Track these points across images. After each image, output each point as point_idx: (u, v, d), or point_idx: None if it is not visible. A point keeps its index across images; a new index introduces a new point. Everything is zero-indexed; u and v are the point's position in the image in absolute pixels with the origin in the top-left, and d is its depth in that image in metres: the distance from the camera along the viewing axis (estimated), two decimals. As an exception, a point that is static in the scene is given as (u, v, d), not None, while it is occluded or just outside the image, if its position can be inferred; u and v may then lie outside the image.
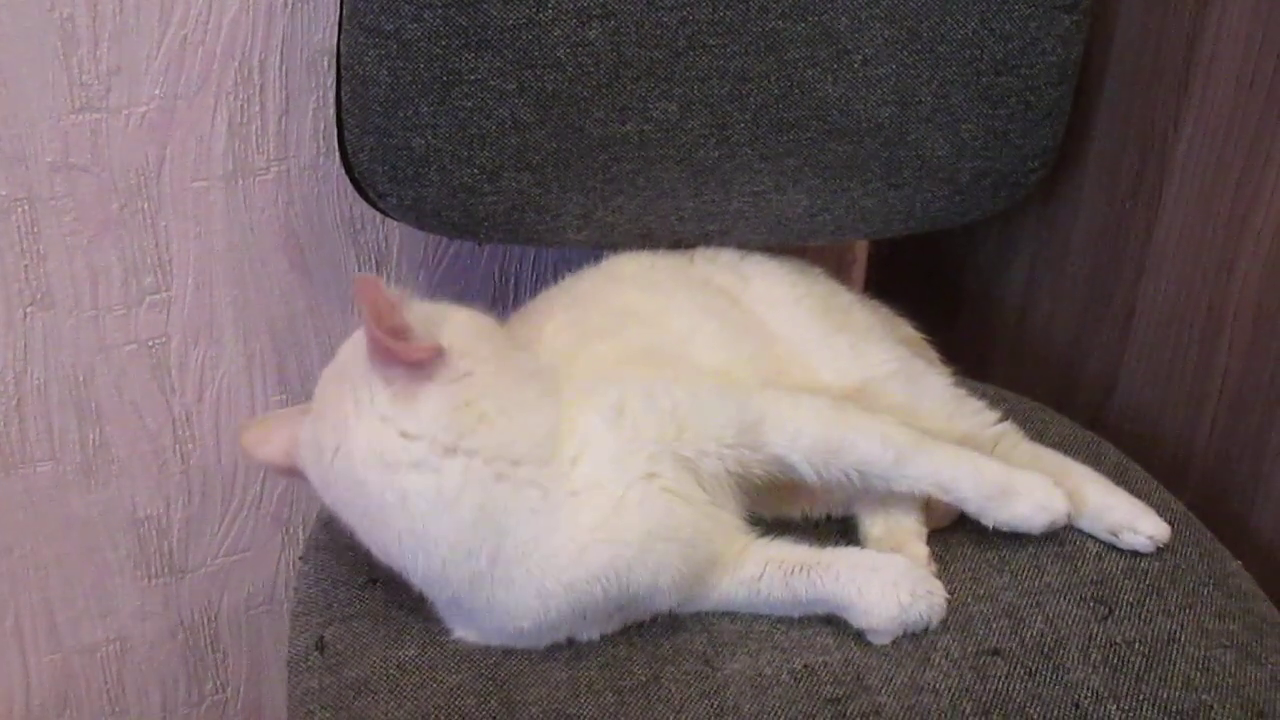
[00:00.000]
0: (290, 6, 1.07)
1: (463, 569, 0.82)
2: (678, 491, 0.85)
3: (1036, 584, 0.92)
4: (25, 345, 1.09)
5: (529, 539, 0.82)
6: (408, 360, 0.80)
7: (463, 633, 0.88)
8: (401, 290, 0.82)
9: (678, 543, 0.85)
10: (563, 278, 1.09)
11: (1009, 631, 0.89)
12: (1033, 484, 0.94)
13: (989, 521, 0.93)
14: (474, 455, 0.81)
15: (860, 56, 1.05)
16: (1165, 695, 0.85)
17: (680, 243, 1.10)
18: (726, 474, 0.88)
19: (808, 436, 0.89)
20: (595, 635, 0.88)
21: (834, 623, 0.89)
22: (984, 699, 0.84)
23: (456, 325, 0.84)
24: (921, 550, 0.92)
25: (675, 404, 0.87)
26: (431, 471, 0.80)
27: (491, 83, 0.99)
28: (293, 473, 0.88)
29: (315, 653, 0.89)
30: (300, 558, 1.01)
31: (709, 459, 0.87)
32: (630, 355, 0.94)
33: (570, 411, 0.85)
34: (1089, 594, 0.91)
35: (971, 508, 0.93)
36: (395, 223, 1.14)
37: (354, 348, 0.85)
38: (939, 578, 0.90)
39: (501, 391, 0.83)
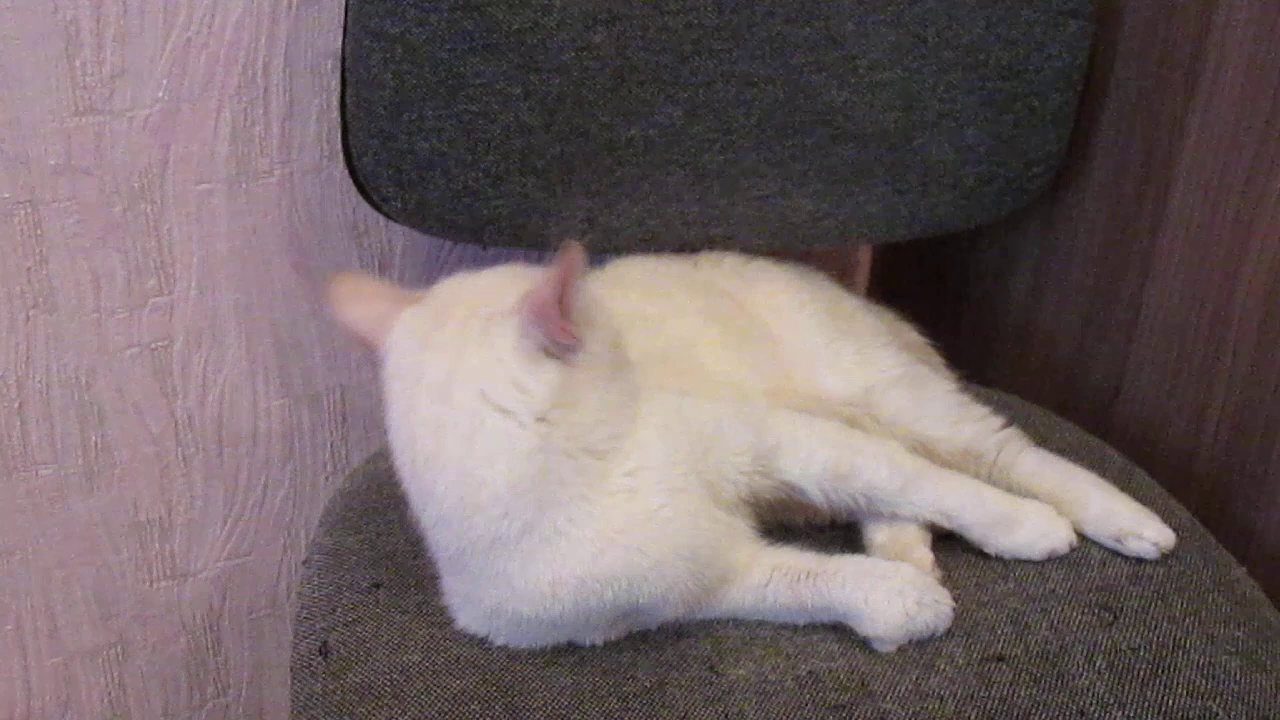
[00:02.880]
0: (294, 9, 1.07)
1: (492, 527, 0.81)
2: (702, 509, 0.86)
3: (1041, 590, 0.92)
4: (28, 348, 1.09)
5: (564, 521, 0.82)
6: (556, 337, 0.81)
7: (465, 619, 0.88)
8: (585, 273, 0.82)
9: (695, 561, 0.85)
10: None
11: (1014, 638, 0.89)
12: (1035, 513, 0.95)
13: (990, 549, 0.94)
14: (557, 428, 0.81)
15: (866, 61, 1.05)
16: (1170, 702, 0.84)
17: (685, 247, 1.10)
18: (739, 498, 0.89)
19: (819, 464, 0.91)
20: (598, 640, 0.88)
21: (839, 629, 0.89)
22: (989, 706, 0.84)
23: (599, 328, 0.84)
24: (926, 556, 0.92)
25: (702, 425, 0.88)
26: (517, 424, 0.81)
27: (497, 87, 0.99)
28: (364, 343, 0.87)
29: (319, 657, 0.89)
30: (303, 562, 1.01)
31: (726, 483, 0.88)
32: (638, 359, 0.95)
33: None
34: (1094, 600, 0.91)
35: (973, 535, 0.94)
36: (399, 226, 1.14)
37: (511, 281, 0.85)
38: (944, 584, 0.90)
39: (603, 387, 0.84)
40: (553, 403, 0.81)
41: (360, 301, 0.88)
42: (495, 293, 0.84)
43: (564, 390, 0.82)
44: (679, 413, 0.88)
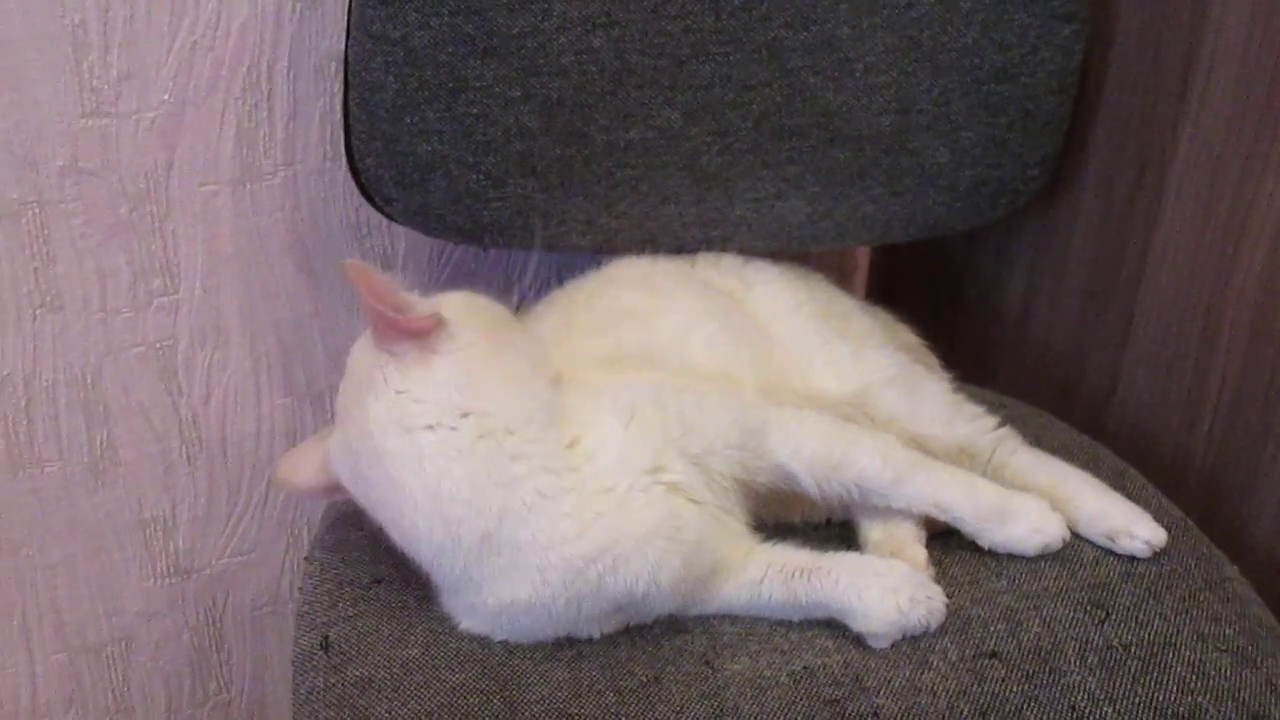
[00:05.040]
0: (298, 13, 1.08)
1: (474, 528, 0.83)
2: (685, 489, 0.87)
3: (1034, 588, 0.93)
4: (34, 347, 1.10)
5: (534, 494, 0.83)
6: (411, 329, 0.83)
7: (469, 623, 0.89)
8: (393, 277, 0.85)
9: (680, 543, 0.86)
10: (566, 282, 1.09)
11: (1006, 634, 0.89)
12: (1029, 507, 0.95)
13: (985, 543, 0.95)
14: (486, 415, 0.84)
15: (862, 65, 1.06)
16: (1161, 699, 0.85)
17: (683, 248, 1.11)
18: (732, 479, 0.90)
19: (810, 448, 0.91)
20: (595, 633, 0.89)
21: (833, 625, 0.89)
22: (981, 701, 0.85)
23: (453, 302, 0.87)
24: (920, 554, 0.93)
25: (682, 406, 0.89)
26: (447, 430, 0.83)
27: (497, 90, 1.00)
28: (332, 490, 0.90)
29: (320, 652, 0.90)
30: (305, 558, 1.02)
31: (715, 458, 0.89)
32: (623, 353, 0.96)
33: (575, 403, 0.87)
34: (1086, 598, 0.92)
35: (968, 529, 0.94)
36: (401, 227, 1.15)
37: (361, 347, 0.88)
38: (937, 581, 0.90)
39: (502, 360, 0.87)
40: (463, 394, 0.83)
41: (300, 469, 0.91)
42: (357, 365, 0.87)
43: (464, 377, 0.84)
44: (654, 397, 0.88)
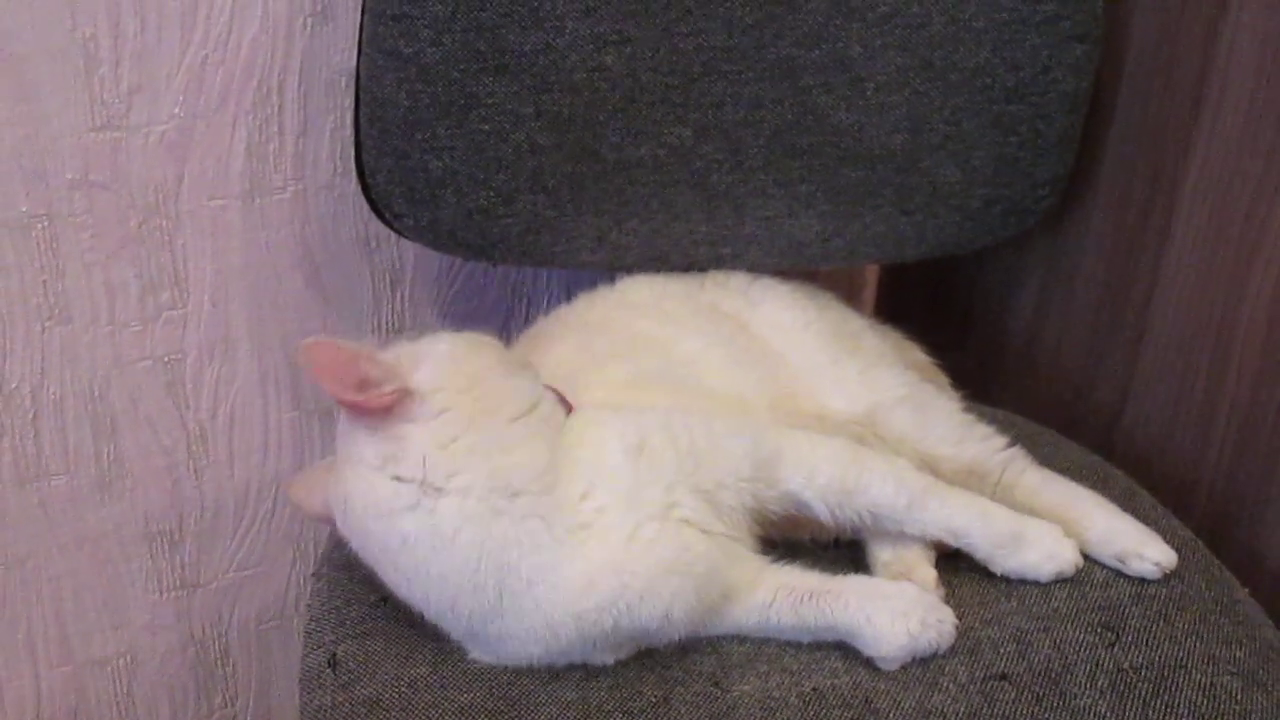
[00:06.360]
0: (310, 28, 1.08)
1: (471, 603, 0.83)
2: (696, 523, 0.86)
3: (1044, 609, 0.93)
4: (43, 360, 1.10)
5: (535, 570, 0.82)
6: (373, 409, 0.81)
7: (478, 654, 0.89)
8: (361, 341, 0.82)
9: (692, 577, 0.85)
10: (575, 297, 1.09)
11: (1016, 657, 0.89)
12: (1043, 533, 0.95)
13: (997, 569, 0.94)
14: (466, 493, 0.82)
15: (873, 84, 1.06)
16: (1171, 722, 0.85)
17: (693, 266, 1.11)
18: (743, 508, 0.89)
19: (824, 476, 0.91)
20: (609, 661, 0.88)
21: (843, 646, 0.89)
22: (991, 724, 0.85)
23: (433, 360, 0.85)
24: (930, 575, 0.93)
25: (693, 439, 0.88)
26: (426, 513, 0.81)
27: (508, 107, 1.00)
28: (334, 521, 0.89)
29: (327, 669, 0.90)
30: (313, 574, 1.01)
31: (727, 491, 0.88)
32: (639, 380, 0.95)
33: (580, 442, 0.86)
34: (1096, 620, 0.92)
35: (980, 554, 0.94)
36: (410, 243, 1.15)
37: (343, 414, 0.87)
38: (947, 603, 0.90)
39: (486, 425, 0.84)
40: (441, 468, 0.81)
41: (311, 493, 0.90)
42: (340, 430, 0.86)
43: (444, 448, 0.82)
44: (665, 429, 0.87)
